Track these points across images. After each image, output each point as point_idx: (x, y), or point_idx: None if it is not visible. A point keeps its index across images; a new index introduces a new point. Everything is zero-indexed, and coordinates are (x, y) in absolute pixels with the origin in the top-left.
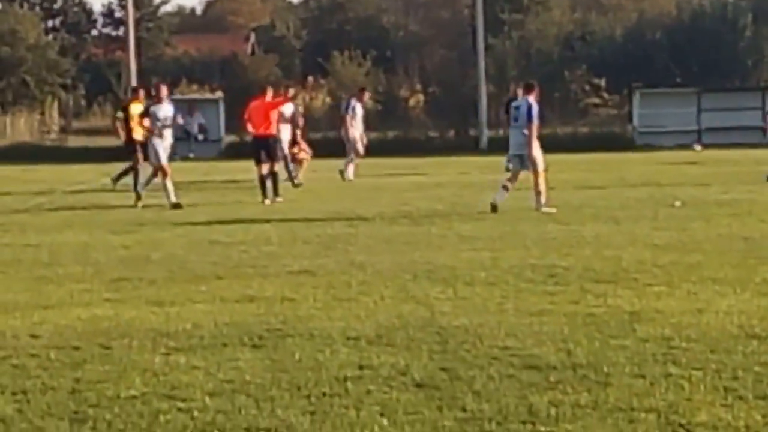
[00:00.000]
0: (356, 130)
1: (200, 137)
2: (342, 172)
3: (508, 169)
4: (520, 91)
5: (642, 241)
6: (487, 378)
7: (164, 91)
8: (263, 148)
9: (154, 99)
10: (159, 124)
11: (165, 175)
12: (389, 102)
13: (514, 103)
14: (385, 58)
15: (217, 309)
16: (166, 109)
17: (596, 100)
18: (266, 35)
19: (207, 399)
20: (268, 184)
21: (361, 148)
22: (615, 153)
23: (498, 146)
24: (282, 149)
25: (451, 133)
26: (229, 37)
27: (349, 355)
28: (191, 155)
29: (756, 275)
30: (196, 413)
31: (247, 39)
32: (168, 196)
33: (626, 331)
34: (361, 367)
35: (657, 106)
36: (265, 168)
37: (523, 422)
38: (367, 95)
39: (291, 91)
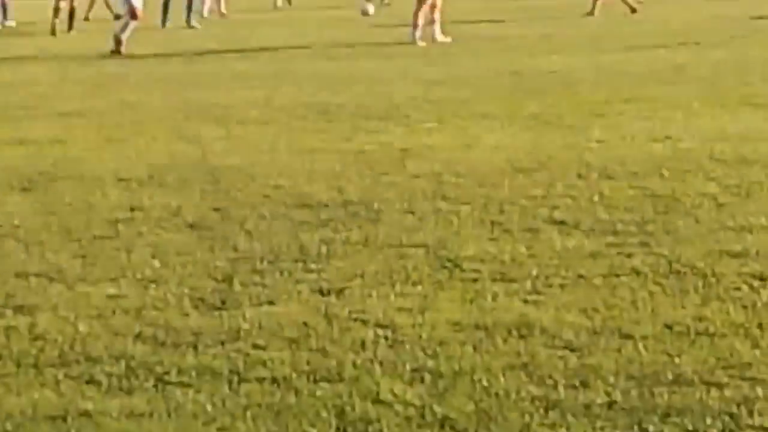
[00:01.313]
0: None
1: None
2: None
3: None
4: None
5: (413, 76)
6: (258, 217)
7: None
8: None
9: None
10: None
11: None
12: None
13: None
14: None
15: None
16: None
17: None
18: None
19: None
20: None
21: None
22: None
23: None
24: None
25: None
26: None
27: (119, 197)
28: None
29: (523, 109)
30: None
31: None
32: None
33: (397, 167)
34: (132, 209)
35: None
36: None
37: (295, 260)
38: None
39: None
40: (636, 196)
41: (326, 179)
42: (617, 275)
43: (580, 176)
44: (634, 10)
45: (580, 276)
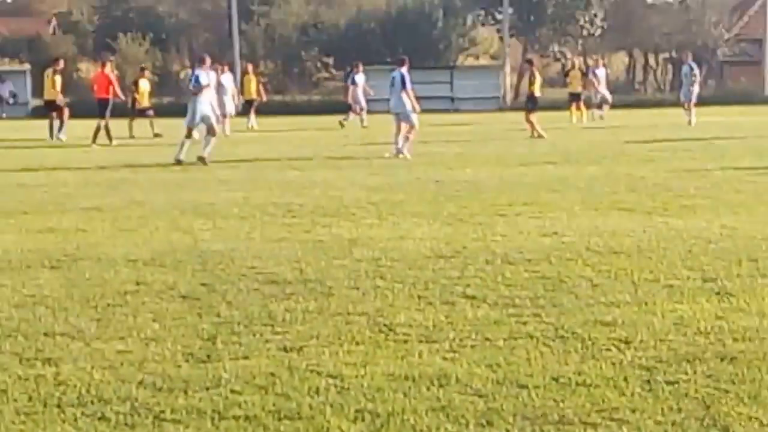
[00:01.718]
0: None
1: (11, 101)
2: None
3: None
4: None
5: (359, 183)
6: (237, 291)
7: (207, 60)
8: (103, 107)
9: (199, 65)
10: (196, 87)
11: (188, 134)
12: (164, 75)
13: (392, 74)
14: (160, 39)
15: (23, 238)
16: (206, 76)
17: (326, 75)
18: (65, 19)
19: (12, 310)
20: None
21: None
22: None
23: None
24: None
25: None
26: (34, 20)
27: (128, 274)
28: (3, 115)
29: (444, 209)
30: (3, 321)
31: (49, 22)
32: (178, 150)
33: (345, 253)
34: (138, 283)
35: (373, 80)
36: (103, 122)
37: (265, 325)
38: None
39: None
40: (530, 277)
41: (290, 262)
42: (515, 338)
43: (487, 262)
44: (540, 136)
45: (487, 339)
